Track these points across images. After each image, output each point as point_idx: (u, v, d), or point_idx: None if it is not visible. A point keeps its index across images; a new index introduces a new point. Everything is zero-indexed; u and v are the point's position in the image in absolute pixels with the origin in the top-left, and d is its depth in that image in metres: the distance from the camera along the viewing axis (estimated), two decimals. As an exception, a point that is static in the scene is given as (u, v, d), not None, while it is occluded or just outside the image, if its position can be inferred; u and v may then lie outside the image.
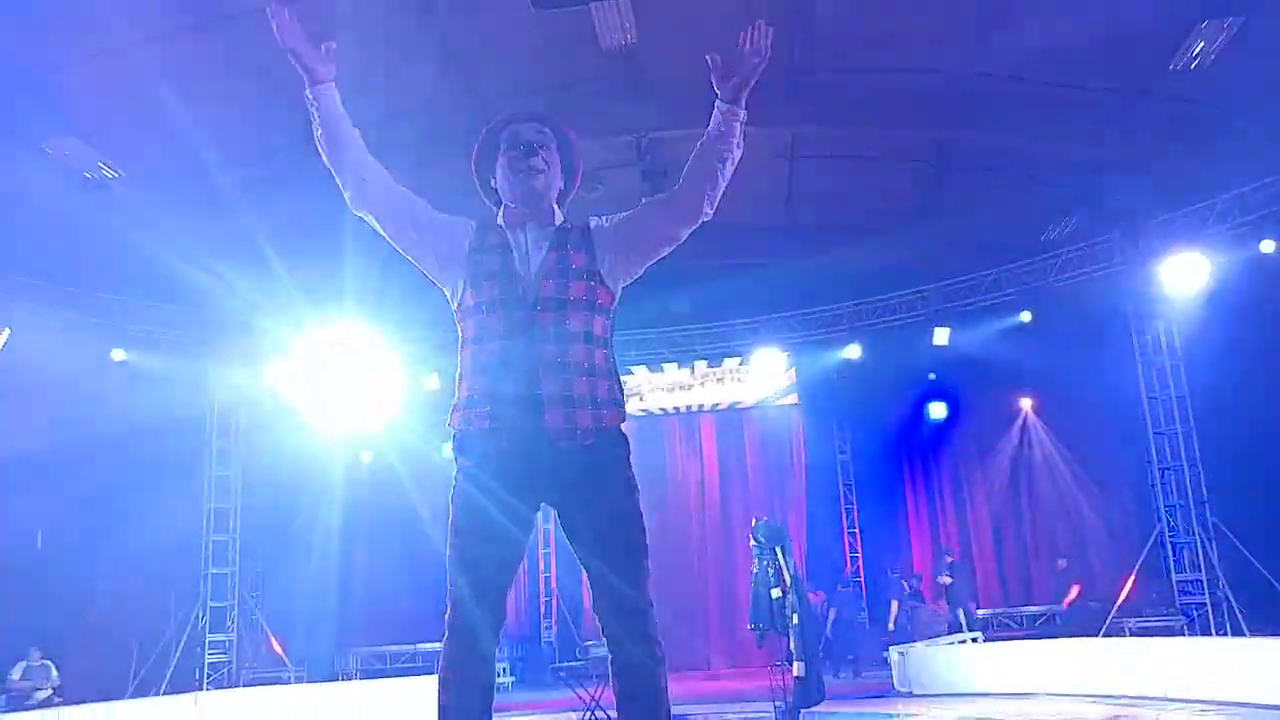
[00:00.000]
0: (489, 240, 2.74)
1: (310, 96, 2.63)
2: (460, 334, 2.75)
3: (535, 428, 2.53)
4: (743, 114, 2.74)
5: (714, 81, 2.75)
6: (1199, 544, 11.80)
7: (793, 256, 14.93)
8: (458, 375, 2.71)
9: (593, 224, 2.80)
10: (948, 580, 14.02)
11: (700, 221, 2.81)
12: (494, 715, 2.55)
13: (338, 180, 2.72)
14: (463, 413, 2.63)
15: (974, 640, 11.78)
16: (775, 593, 8.79)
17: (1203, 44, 9.66)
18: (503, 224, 2.80)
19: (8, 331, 11.46)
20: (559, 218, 2.81)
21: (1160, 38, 10.12)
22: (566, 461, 2.55)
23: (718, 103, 2.77)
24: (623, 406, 2.66)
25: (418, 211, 2.78)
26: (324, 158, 2.70)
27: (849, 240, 15.06)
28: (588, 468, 2.57)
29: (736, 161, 2.78)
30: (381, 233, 2.79)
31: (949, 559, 14.79)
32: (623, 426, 2.65)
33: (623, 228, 2.78)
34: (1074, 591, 14.40)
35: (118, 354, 12.75)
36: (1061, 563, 15.03)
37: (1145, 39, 10.27)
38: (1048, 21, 10.18)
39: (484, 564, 2.57)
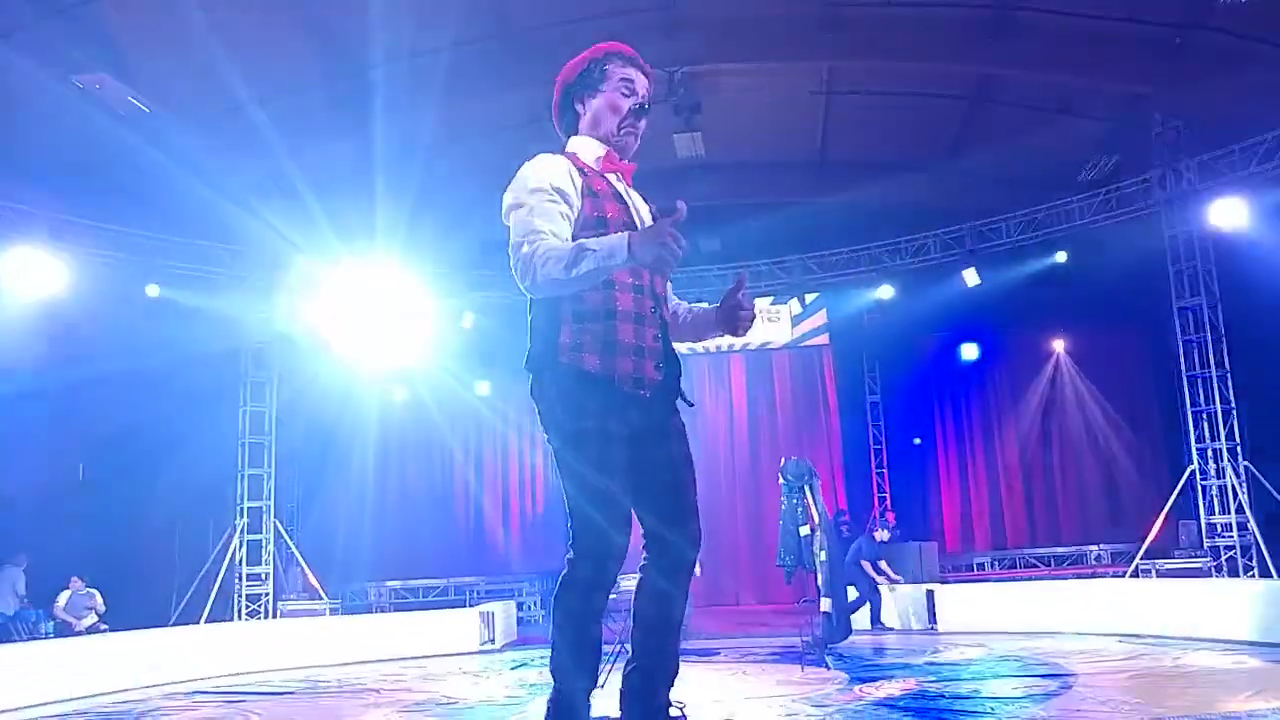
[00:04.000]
0: (599, 185, 2.76)
1: (617, 263, 2.47)
2: None
3: (668, 375, 2.76)
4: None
5: (728, 299, 2.83)
6: (1230, 486, 11.74)
7: (825, 195, 14.81)
8: (575, 313, 2.69)
9: None
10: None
11: None
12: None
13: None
14: (602, 357, 2.66)
15: None
16: (804, 530, 8.88)
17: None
18: (599, 168, 2.81)
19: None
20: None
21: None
22: (667, 405, 2.80)
23: (715, 319, 2.90)
24: None
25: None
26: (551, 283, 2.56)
27: (883, 178, 14.90)
28: (672, 409, 2.83)
29: None
30: None
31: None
32: None
33: None
34: None
35: (153, 289, 12.86)
36: None
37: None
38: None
39: (622, 497, 2.66)
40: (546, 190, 2.62)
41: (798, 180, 15.36)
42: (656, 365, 2.70)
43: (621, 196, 2.77)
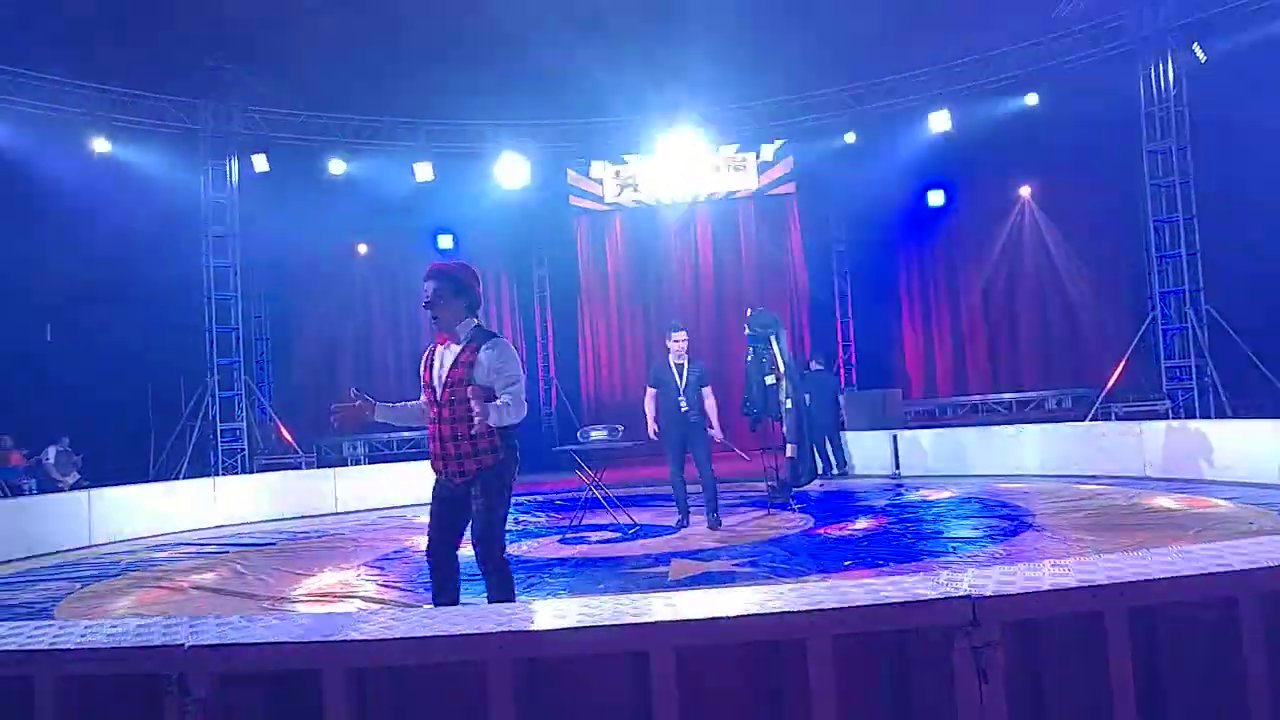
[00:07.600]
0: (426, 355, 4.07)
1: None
2: None
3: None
4: None
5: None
6: (1191, 331, 11.93)
7: (790, 31, 14.29)
8: None
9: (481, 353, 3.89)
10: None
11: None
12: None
13: None
14: None
15: None
16: (769, 379, 8.99)
17: None
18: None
19: None
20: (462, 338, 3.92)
21: None
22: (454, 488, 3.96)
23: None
24: (496, 452, 3.91)
25: None
26: None
27: (847, 13, 14.42)
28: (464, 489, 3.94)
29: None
30: None
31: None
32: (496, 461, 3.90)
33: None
34: None
35: (101, 144, 12.46)
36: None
37: None
38: None
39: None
40: None
41: (762, 14, 14.79)
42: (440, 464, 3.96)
43: (431, 361, 3.99)
